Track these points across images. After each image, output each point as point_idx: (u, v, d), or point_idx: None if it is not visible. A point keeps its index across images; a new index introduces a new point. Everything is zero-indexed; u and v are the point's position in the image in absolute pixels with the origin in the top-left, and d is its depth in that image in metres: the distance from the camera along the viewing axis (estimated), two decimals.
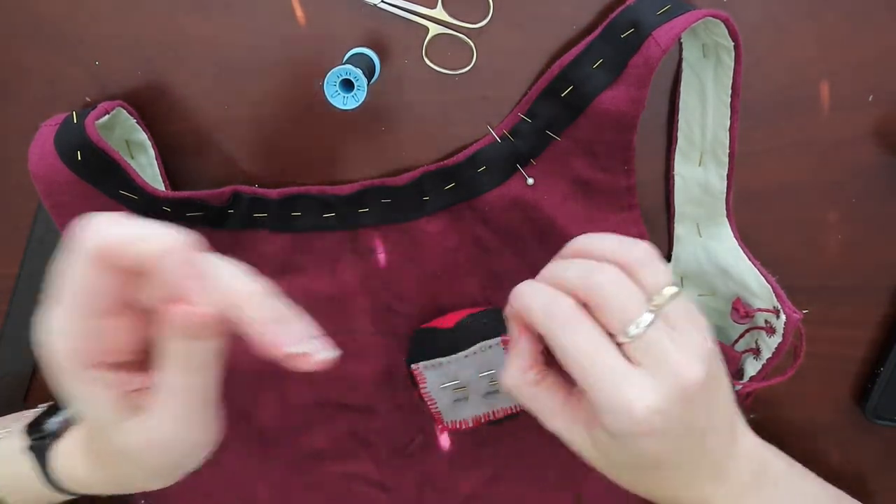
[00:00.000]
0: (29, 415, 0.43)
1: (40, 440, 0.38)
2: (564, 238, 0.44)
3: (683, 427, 0.33)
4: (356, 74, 0.38)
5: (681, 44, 0.42)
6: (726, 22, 0.38)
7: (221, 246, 0.45)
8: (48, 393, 0.51)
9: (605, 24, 0.40)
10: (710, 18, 0.38)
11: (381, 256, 0.45)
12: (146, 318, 0.29)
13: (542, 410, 0.36)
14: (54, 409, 0.41)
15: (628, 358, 0.32)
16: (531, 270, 0.45)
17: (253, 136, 0.44)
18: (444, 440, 0.49)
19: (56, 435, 0.37)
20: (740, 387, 0.45)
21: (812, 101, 0.44)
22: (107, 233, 0.27)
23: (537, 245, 0.45)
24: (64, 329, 0.28)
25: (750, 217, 0.46)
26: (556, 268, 0.35)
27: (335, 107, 0.39)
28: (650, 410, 0.31)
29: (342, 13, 0.42)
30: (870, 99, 0.44)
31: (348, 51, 0.42)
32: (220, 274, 0.28)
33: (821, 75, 0.43)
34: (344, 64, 0.39)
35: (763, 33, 0.42)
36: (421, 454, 0.50)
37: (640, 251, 0.33)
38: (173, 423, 0.30)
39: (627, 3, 0.39)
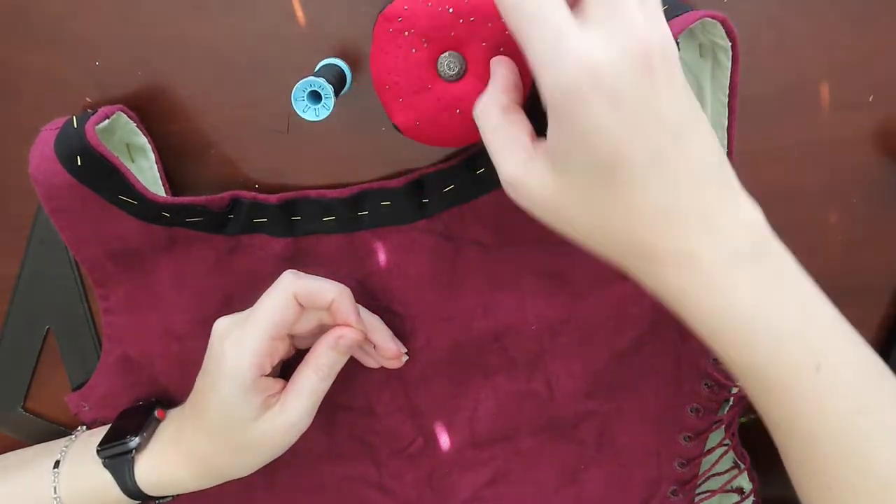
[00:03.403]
0: (54, 446, 0.48)
1: (120, 456, 0.44)
2: (564, 238, 0.44)
3: (639, 101, 0.29)
4: (321, 84, 0.37)
5: (677, 44, 0.42)
6: (724, 22, 0.38)
7: (221, 251, 0.45)
8: (48, 392, 0.51)
9: None
10: (708, 19, 0.38)
11: (381, 259, 0.45)
12: (290, 342, 0.43)
13: (503, 143, 0.33)
14: (119, 431, 0.45)
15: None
16: (531, 272, 0.45)
17: (253, 137, 0.44)
18: (444, 441, 0.49)
19: (138, 449, 0.44)
20: (737, 389, 0.45)
21: (812, 101, 0.44)
22: (300, 282, 0.41)
23: (537, 247, 0.45)
24: (255, 347, 0.40)
25: None
26: None
27: (306, 120, 0.38)
28: (594, 61, 0.28)
29: (342, 13, 0.42)
30: (870, 99, 0.44)
31: (348, 51, 0.42)
32: (360, 311, 0.42)
33: (821, 75, 0.43)
34: (314, 76, 0.39)
35: (763, 33, 0.42)
36: (421, 455, 0.50)
37: None
38: (302, 414, 0.42)
39: None
